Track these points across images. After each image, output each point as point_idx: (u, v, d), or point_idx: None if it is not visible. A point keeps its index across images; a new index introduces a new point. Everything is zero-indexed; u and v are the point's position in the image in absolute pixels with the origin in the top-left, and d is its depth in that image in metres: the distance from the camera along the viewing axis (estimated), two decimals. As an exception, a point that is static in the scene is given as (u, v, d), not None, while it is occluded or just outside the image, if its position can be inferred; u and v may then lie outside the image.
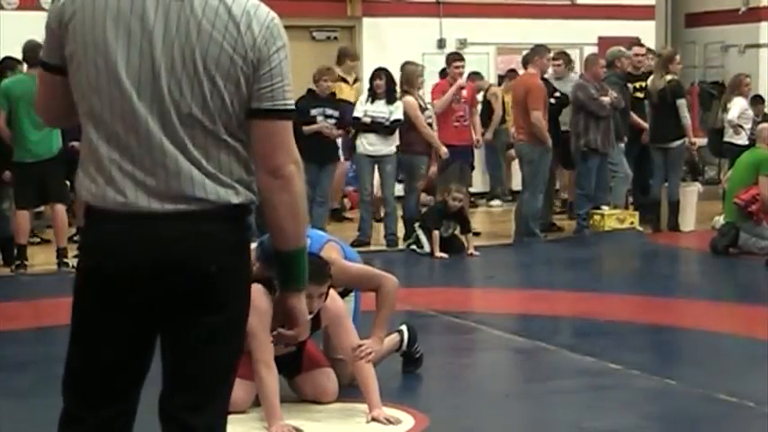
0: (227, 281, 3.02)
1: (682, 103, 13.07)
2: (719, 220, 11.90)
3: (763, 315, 8.49)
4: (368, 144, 12.10)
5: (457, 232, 11.80)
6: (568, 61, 13.95)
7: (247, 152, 3.04)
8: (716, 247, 11.39)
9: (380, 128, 12.00)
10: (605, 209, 13.10)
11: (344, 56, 13.88)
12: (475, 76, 14.55)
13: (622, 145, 13.31)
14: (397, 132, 12.11)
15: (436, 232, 11.48)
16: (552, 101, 12.89)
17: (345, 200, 15.40)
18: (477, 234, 13.07)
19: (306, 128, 11.64)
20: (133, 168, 2.98)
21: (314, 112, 12.08)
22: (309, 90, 12.31)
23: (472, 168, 13.36)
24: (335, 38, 16.27)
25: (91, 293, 3.05)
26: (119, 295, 3.00)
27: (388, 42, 15.52)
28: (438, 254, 11.36)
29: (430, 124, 12.60)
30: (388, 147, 12.10)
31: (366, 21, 16.13)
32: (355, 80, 14.36)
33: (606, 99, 12.64)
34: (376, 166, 12.23)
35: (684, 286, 10.48)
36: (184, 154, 2.98)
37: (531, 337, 7.59)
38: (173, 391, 3.06)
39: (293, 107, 3.07)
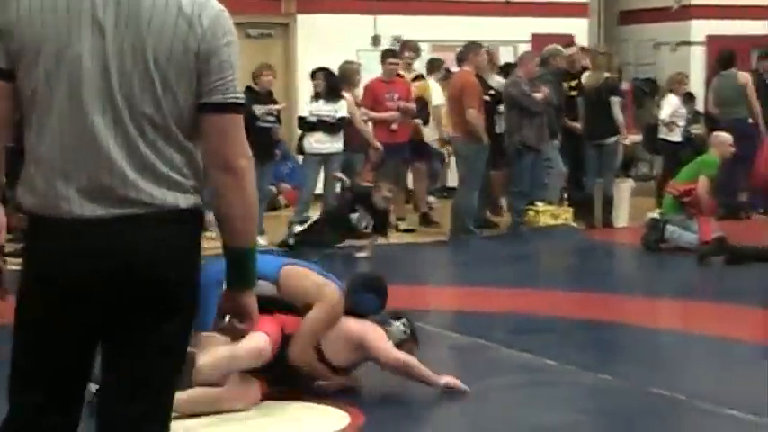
0: (182, 287, 3.00)
1: (615, 100, 13.22)
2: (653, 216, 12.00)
3: (695, 310, 8.59)
4: (315, 142, 12.08)
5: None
6: (490, 59, 13.97)
7: (198, 156, 3.00)
8: (647, 243, 11.51)
9: (326, 126, 12.00)
10: (540, 205, 13.18)
11: (404, 48, 13.78)
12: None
13: (557, 142, 13.40)
14: (342, 130, 12.11)
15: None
16: (487, 98, 12.94)
17: (280, 197, 15.36)
18: (411, 231, 13.10)
19: (258, 112, 11.77)
20: (77, 173, 2.91)
21: (257, 109, 12.07)
22: (248, 87, 12.30)
23: (407, 165, 13.40)
24: (270, 35, 16.23)
25: (37, 301, 2.98)
26: (66, 304, 2.94)
27: (322, 39, 15.47)
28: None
29: (364, 121, 12.66)
30: (336, 144, 12.08)
31: (300, 18, 16.07)
32: (416, 77, 14.17)
33: (539, 95, 12.72)
34: (322, 165, 12.20)
35: (619, 282, 10.56)
36: (134, 155, 2.91)
37: (468, 333, 7.61)
38: (117, 398, 3.00)
39: (243, 101, 3.04)
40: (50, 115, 2.92)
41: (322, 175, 12.27)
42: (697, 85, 16.99)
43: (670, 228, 11.39)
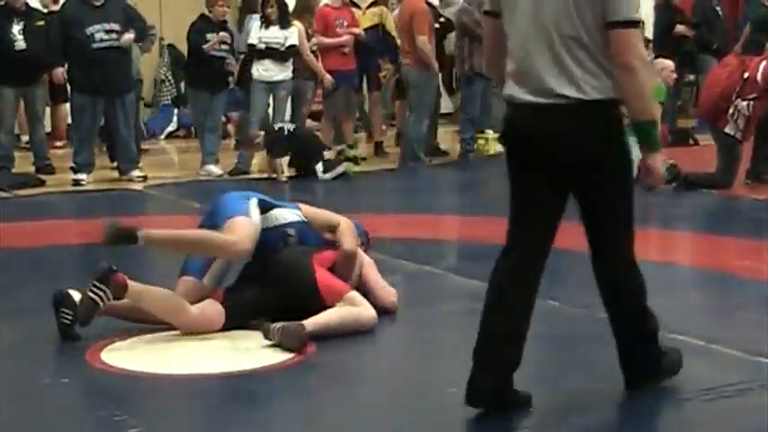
0: (592, 158, 4.40)
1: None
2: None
3: (642, 236, 8.58)
4: (263, 70, 12.07)
5: None
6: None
7: (605, 59, 4.30)
8: None
9: (275, 54, 11.97)
10: (489, 133, 13.17)
11: None
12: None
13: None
14: (291, 58, 12.08)
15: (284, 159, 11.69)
16: (437, 26, 12.87)
17: (229, 125, 15.28)
18: (363, 159, 13.07)
19: (205, 45, 11.72)
20: (522, 79, 4.41)
21: (209, 37, 12.03)
22: (202, 15, 12.23)
23: (357, 92, 13.37)
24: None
25: (508, 157, 4.59)
26: (525, 159, 4.51)
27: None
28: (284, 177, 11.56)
29: (314, 52, 12.59)
30: (284, 72, 12.07)
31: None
32: (371, 4, 14.00)
33: (490, 23, 12.65)
34: (271, 93, 12.19)
35: (567, 209, 10.56)
36: (558, 67, 4.31)
37: (418, 261, 7.61)
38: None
39: (637, 18, 4.29)
40: (511, 37, 4.45)
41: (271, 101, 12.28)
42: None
43: None
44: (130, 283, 5.52)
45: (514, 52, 4.44)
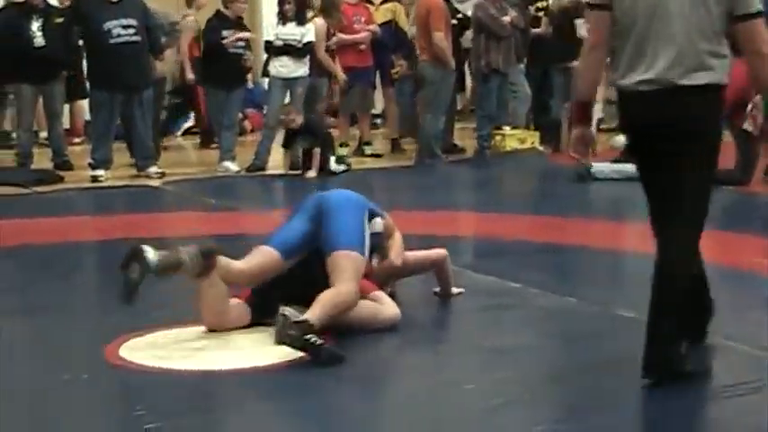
0: (696, 130, 4.75)
1: (580, 23, 13.14)
2: (619, 140, 11.99)
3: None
4: (281, 66, 12.10)
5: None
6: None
7: (725, 48, 4.72)
8: (577, 175, 11.30)
9: (293, 50, 11.99)
10: (507, 129, 13.17)
11: None
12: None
13: (522, 66, 13.36)
14: (308, 55, 12.12)
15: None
16: (454, 22, 12.88)
17: (246, 122, 15.31)
18: (378, 156, 13.09)
19: (225, 41, 11.76)
20: (639, 65, 4.73)
21: (225, 33, 12.07)
22: (218, 11, 12.26)
23: (373, 89, 13.39)
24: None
25: (632, 139, 4.99)
26: (642, 142, 4.88)
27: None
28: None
29: (333, 50, 12.61)
30: (301, 69, 12.09)
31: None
32: (384, 0, 13.99)
33: (506, 19, 12.65)
34: (287, 90, 12.22)
35: (584, 206, 10.58)
36: (681, 54, 4.66)
37: (434, 257, 7.60)
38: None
39: (762, 8, 4.64)
40: (627, 28, 4.76)
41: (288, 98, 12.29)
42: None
43: (596, 164, 11.20)
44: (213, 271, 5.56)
45: (630, 42, 4.76)
